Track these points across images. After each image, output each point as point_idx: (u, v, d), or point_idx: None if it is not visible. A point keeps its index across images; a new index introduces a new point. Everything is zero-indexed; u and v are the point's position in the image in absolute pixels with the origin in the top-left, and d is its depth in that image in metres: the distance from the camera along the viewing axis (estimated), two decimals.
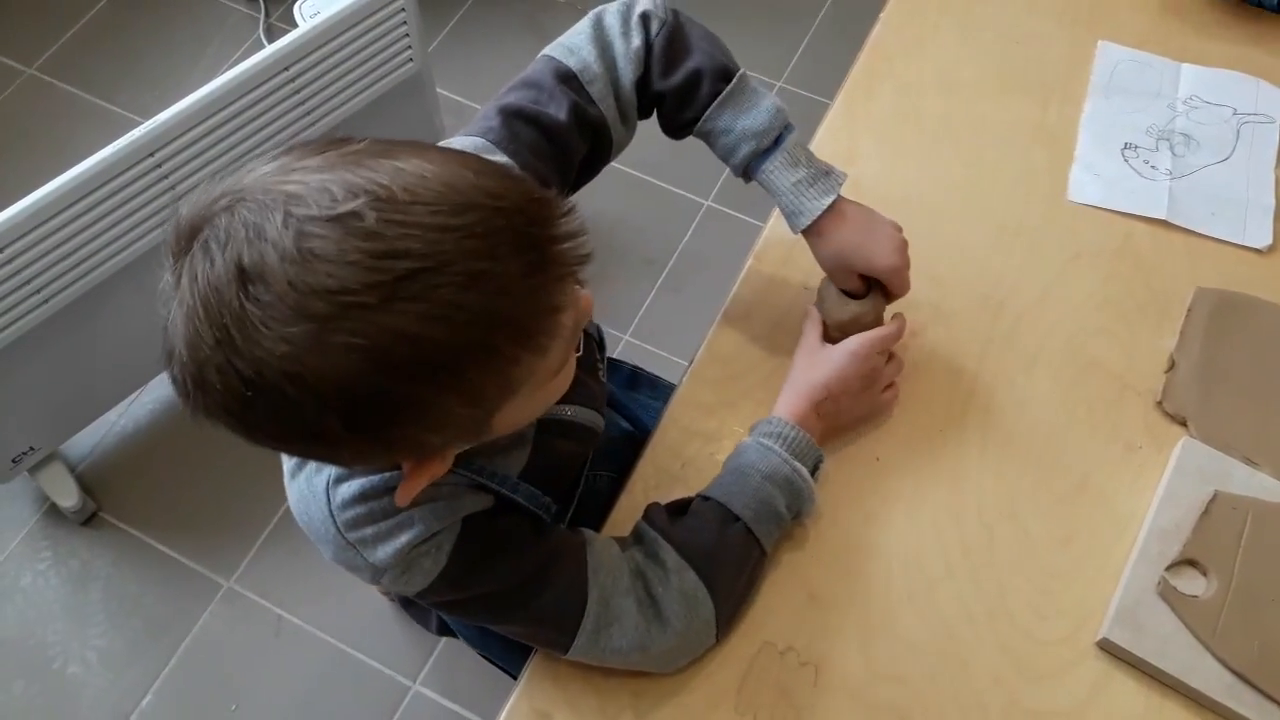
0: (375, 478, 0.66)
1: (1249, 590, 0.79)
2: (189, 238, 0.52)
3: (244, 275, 0.50)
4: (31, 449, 1.51)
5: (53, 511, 1.61)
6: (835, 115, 1.08)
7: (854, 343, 0.85)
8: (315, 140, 0.57)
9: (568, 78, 0.80)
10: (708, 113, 0.82)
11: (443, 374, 0.53)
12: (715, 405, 0.91)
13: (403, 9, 1.45)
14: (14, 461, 1.50)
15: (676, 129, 0.85)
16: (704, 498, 0.80)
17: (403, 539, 0.66)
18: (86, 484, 1.63)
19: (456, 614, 0.76)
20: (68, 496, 1.57)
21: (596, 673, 0.78)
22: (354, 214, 0.50)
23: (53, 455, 1.58)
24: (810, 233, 0.84)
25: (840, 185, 0.84)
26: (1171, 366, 0.91)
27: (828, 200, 0.83)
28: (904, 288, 0.87)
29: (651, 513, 0.80)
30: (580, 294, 0.61)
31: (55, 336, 1.39)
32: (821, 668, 0.79)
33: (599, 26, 0.82)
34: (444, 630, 1.09)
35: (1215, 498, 0.83)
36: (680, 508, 0.81)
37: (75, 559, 1.59)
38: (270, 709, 1.49)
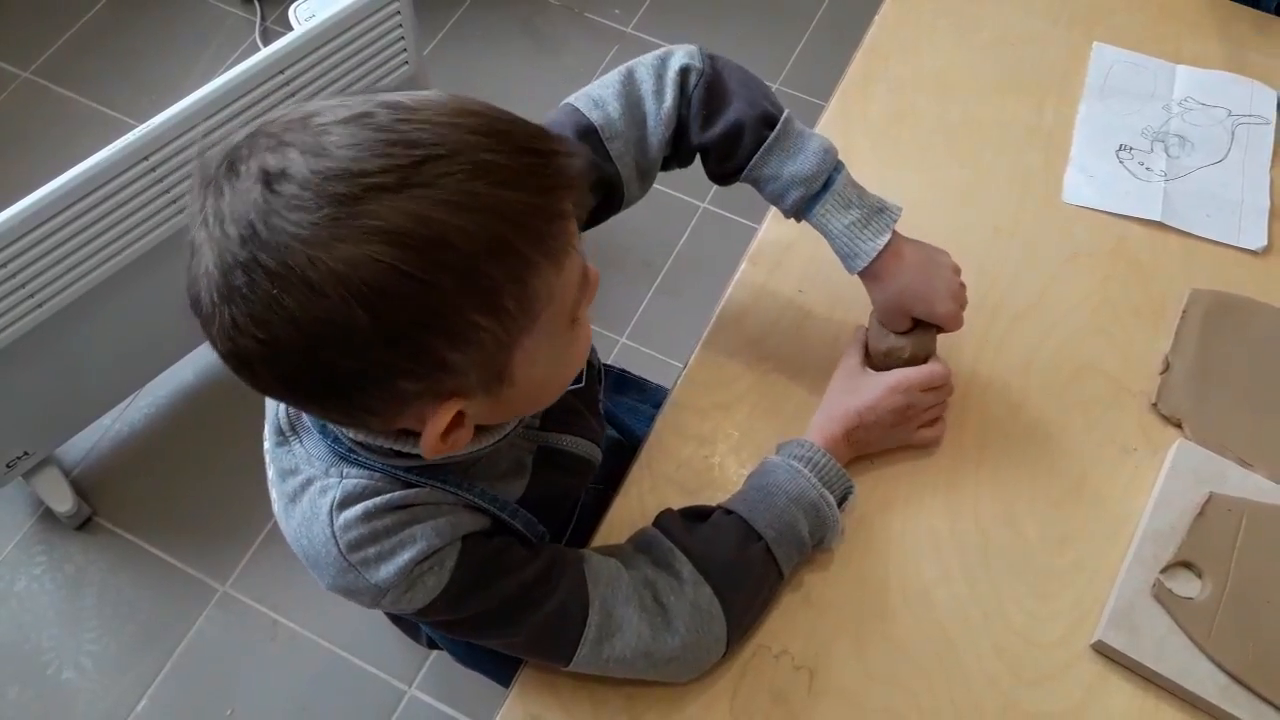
0: (379, 499, 0.66)
1: (1243, 592, 0.79)
2: (215, 169, 0.55)
3: (268, 177, 0.53)
4: (26, 454, 1.51)
5: (47, 516, 1.61)
6: (831, 117, 1.08)
7: (893, 377, 0.84)
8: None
9: (588, 132, 0.78)
10: (753, 161, 0.80)
11: (460, 264, 0.54)
12: (710, 409, 0.91)
13: (398, 12, 1.45)
14: (8, 466, 1.49)
15: (722, 177, 0.84)
16: (726, 511, 0.79)
17: (405, 556, 0.65)
18: (81, 489, 1.63)
19: (458, 632, 0.76)
20: (62, 501, 1.57)
21: (590, 678, 0.78)
22: (367, 114, 0.54)
23: (47, 460, 1.58)
24: (866, 275, 0.82)
25: (894, 222, 0.81)
26: (1166, 368, 0.91)
27: (882, 240, 0.80)
28: (958, 327, 0.85)
29: (666, 521, 0.79)
30: (590, 267, 0.62)
31: (50, 340, 1.38)
32: (817, 672, 0.79)
33: (629, 82, 0.79)
34: (434, 644, 1.09)
35: (1210, 499, 0.83)
36: (696, 514, 0.80)
37: (70, 564, 1.59)
38: (266, 714, 1.48)
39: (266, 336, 0.54)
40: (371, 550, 0.66)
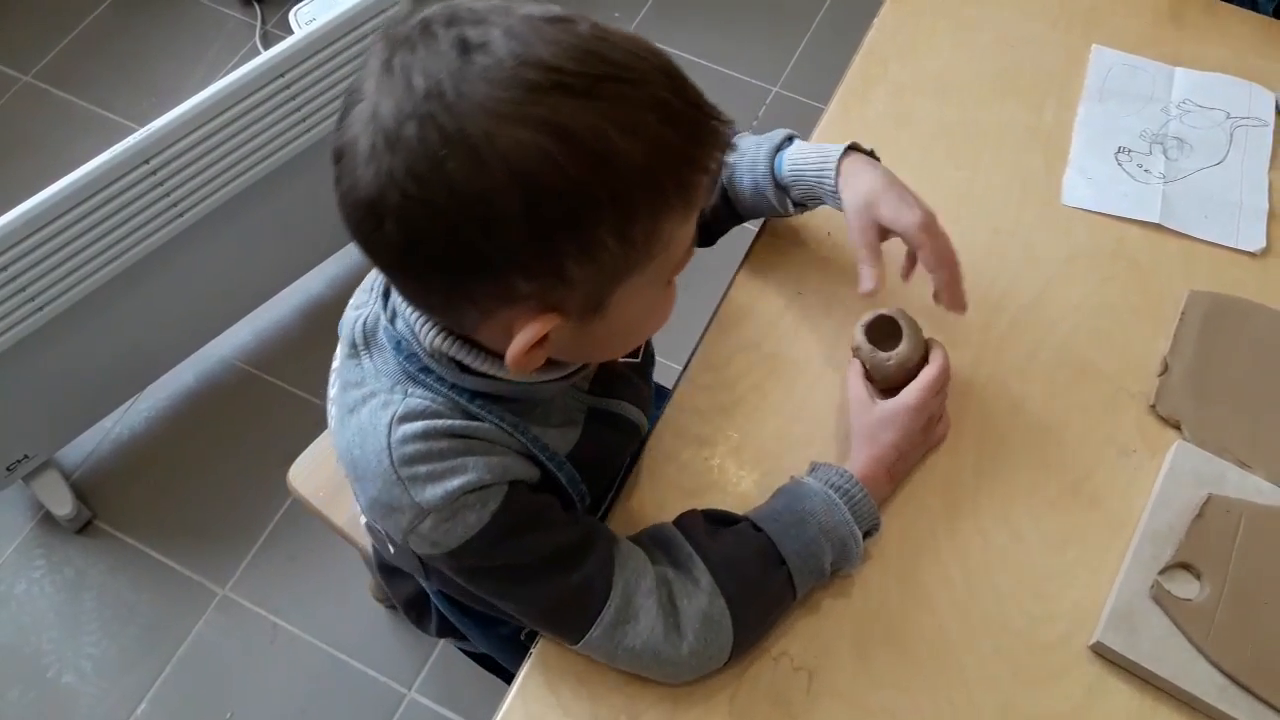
0: (440, 422, 0.67)
1: (1242, 593, 0.79)
2: (406, 31, 0.57)
3: (466, 45, 0.55)
4: (26, 457, 1.51)
5: (47, 519, 1.61)
6: (830, 119, 1.08)
7: (912, 396, 0.83)
8: None
9: None
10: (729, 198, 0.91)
11: (613, 181, 0.56)
12: (710, 411, 0.91)
13: None
14: (9, 469, 1.50)
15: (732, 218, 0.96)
16: (755, 527, 0.78)
17: (454, 482, 0.66)
18: (81, 492, 1.63)
19: (483, 586, 0.74)
20: (62, 504, 1.57)
21: (591, 677, 0.78)
22: (570, 20, 0.57)
23: (47, 463, 1.58)
24: (840, 179, 0.85)
25: (850, 146, 0.87)
26: (1165, 370, 0.91)
27: (843, 146, 0.86)
28: (943, 252, 0.83)
29: (688, 524, 0.79)
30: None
31: (50, 344, 1.39)
32: (815, 673, 0.78)
33: None
34: (443, 631, 1.08)
35: (1209, 501, 0.83)
36: (721, 519, 0.80)
37: (70, 567, 1.59)
38: (265, 717, 1.48)
39: (417, 193, 0.55)
40: (423, 468, 0.66)
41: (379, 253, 0.61)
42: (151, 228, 1.38)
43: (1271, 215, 1.01)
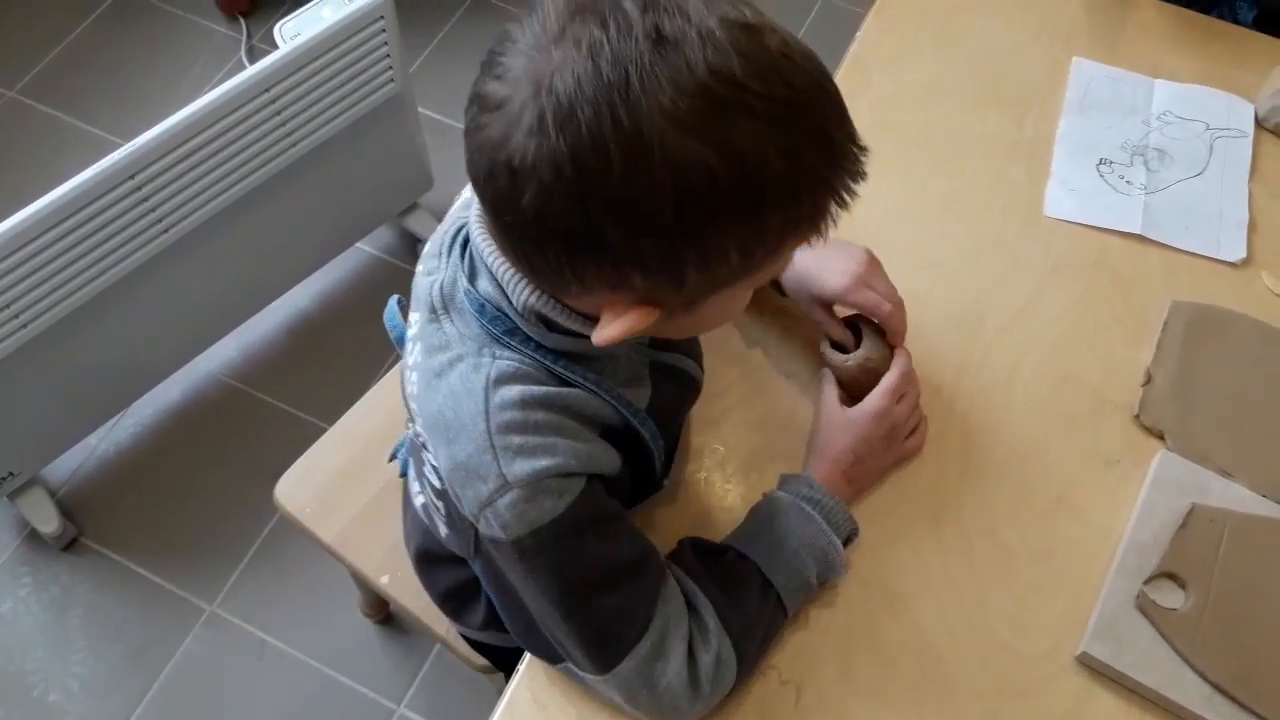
0: (534, 387, 0.67)
1: (1227, 602, 0.80)
2: (582, 9, 0.56)
3: (662, 39, 0.54)
4: (11, 474, 1.50)
5: (33, 537, 1.60)
6: None
7: (872, 402, 0.84)
8: None
9: None
10: None
11: (756, 201, 0.57)
12: (699, 424, 0.91)
13: (384, 30, 1.45)
14: None
15: None
16: (740, 554, 0.78)
17: (544, 462, 0.66)
18: (67, 509, 1.62)
19: (534, 578, 0.71)
20: (48, 522, 1.56)
21: (577, 694, 0.78)
22: (763, 30, 0.56)
23: (33, 480, 1.57)
24: None
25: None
26: (1148, 380, 0.92)
27: None
28: (873, 307, 0.85)
29: (684, 561, 0.77)
30: None
31: (34, 361, 1.38)
32: (803, 687, 0.79)
33: None
34: (488, 623, 0.99)
35: (1192, 511, 0.83)
36: (708, 551, 0.79)
37: (55, 585, 1.58)
38: None
39: (573, 177, 0.55)
40: (516, 439, 0.66)
41: (502, 209, 0.60)
42: (137, 243, 1.37)
43: (1251, 226, 1.01)
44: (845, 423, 0.84)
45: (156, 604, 1.56)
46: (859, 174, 0.61)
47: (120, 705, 1.49)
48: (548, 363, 0.68)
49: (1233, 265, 0.99)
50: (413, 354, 0.74)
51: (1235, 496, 0.85)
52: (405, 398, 0.77)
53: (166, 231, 1.40)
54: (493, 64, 0.58)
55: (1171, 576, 0.81)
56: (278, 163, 1.46)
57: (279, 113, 1.41)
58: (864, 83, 1.12)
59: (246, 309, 1.67)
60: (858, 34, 1.16)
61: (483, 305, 0.69)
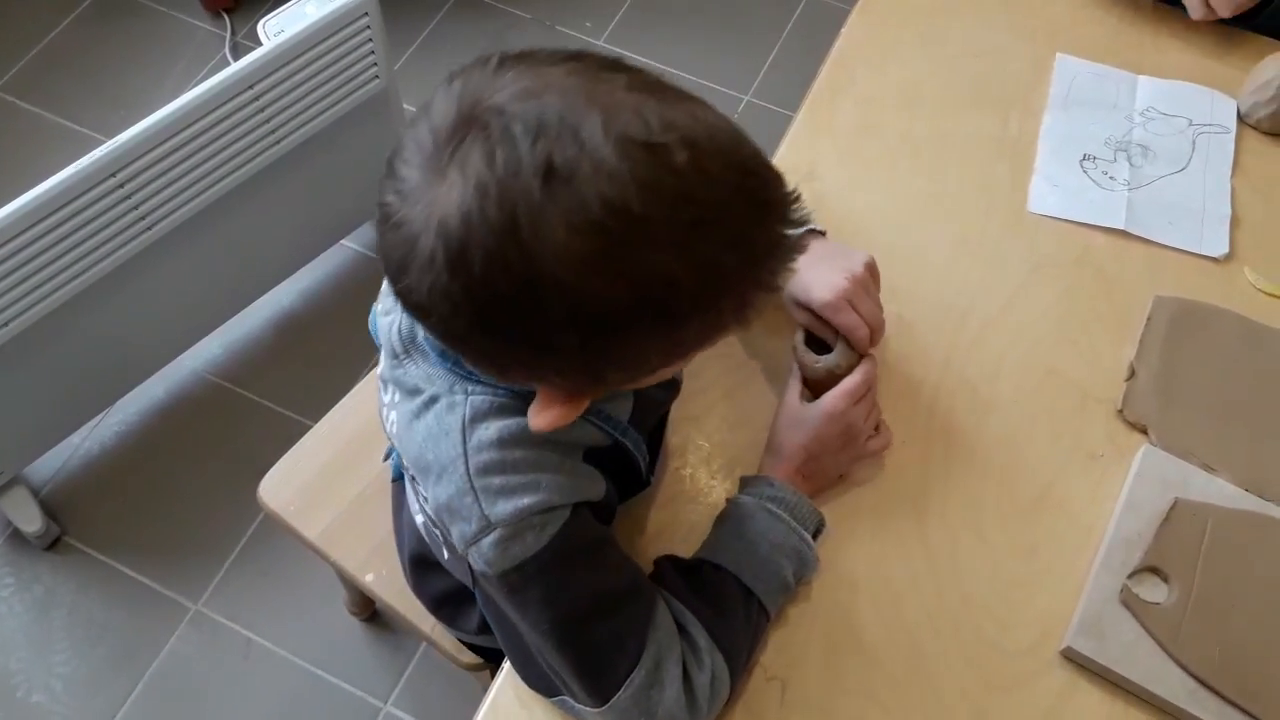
0: (510, 423, 0.66)
1: (1209, 596, 0.80)
2: (467, 122, 0.53)
3: (552, 174, 0.51)
4: None
5: (15, 537, 1.59)
6: (798, 129, 1.08)
7: (828, 402, 0.83)
8: (585, 56, 0.57)
9: None
10: None
11: (670, 317, 0.55)
12: (680, 421, 0.91)
13: (368, 26, 1.45)
14: None
15: None
16: (714, 565, 0.77)
17: (526, 500, 0.65)
18: (50, 508, 1.61)
19: (525, 612, 0.71)
20: (31, 521, 1.55)
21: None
22: (669, 148, 0.52)
23: (15, 479, 1.56)
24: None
25: (811, 224, 0.84)
26: (1131, 375, 0.92)
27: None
28: (850, 328, 0.83)
29: (668, 578, 0.77)
30: None
31: (18, 359, 1.37)
32: (788, 683, 0.79)
33: None
34: (484, 627, 0.97)
35: (1175, 505, 0.84)
36: (686, 568, 0.78)
37: (39, 585, 1.57)
38: None
39: (470, 311, 0.54)
40: (498, 480, 0.66)
41: (414, 317, 0.60)
42: (120, 241, 1.36)
43: (1234, 221, 1.02)
44: (800, 420, 0.84)
45: (141, 603, 1.55)
46: (791, 259, 0.59)
47: (104, 705, 1.48)
48: (522, 391, 0.67)
49: (1216, 260, 1.00)
50: (388, 394, 0.73)
51: (1218, 491, 0.85)
52: (387, 434, 0.76)
53: (150, 229, 1.39)
54: (393, 171, 0.56)
55: (1155, 571, 0.82)
56: (262, 160, 1.46)
57: (262, 110, 1.41)
58: (848, 82, 1.12)
59: (231, 306, 1.66)
60: (841, 32, 1.16)
61: (442, 350, 0.69)
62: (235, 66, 1.36)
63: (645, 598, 0.72)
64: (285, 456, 1.17)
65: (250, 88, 1.37)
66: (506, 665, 0.80)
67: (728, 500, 0.82)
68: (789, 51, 2.13)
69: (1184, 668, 0.77)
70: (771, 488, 0.81)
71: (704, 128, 0.54)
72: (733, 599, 0.76)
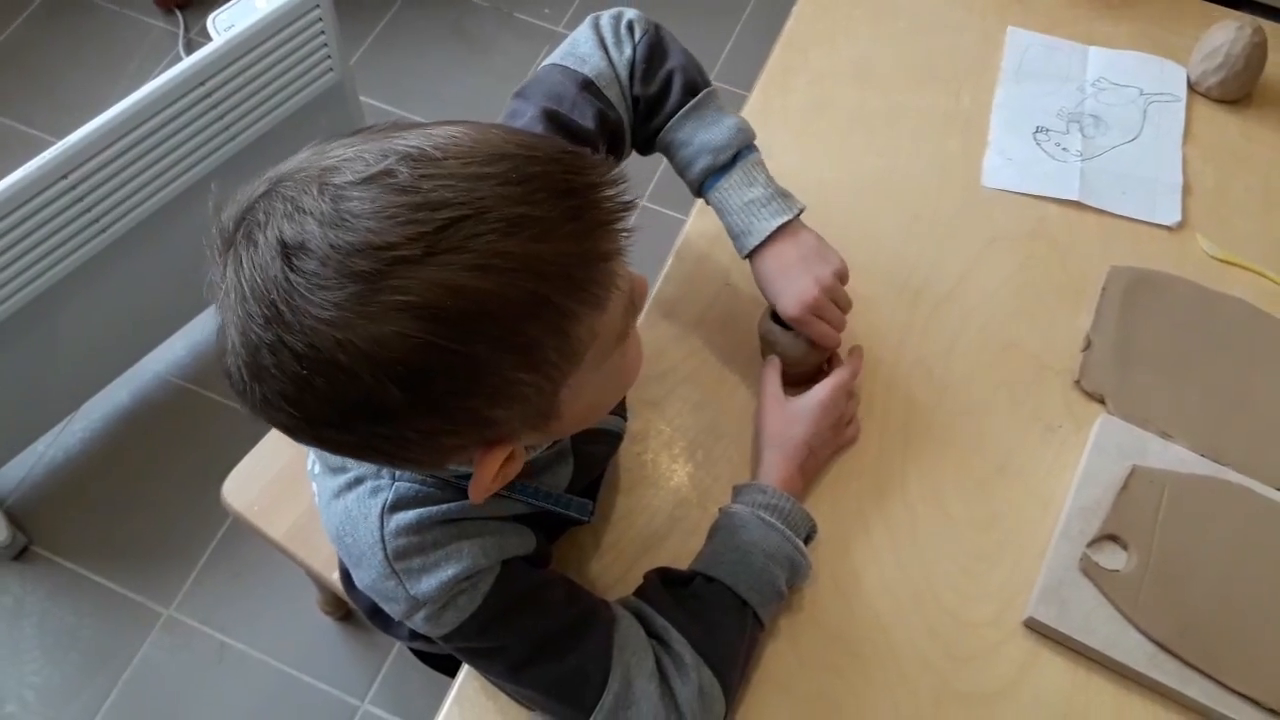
0: (433, 509, 0.65)
1: (1167, 562, 0.81)
2: (232, 232, 0.52)
3: (286, 249, 0.50)
4: None
5: None
6: (752, 108, 1.08)
7: (822, 392, 0.83)
8: (345, 132, 0.56)
9: (587, 84, 0.79)
10: (670, 123, 0.82)
11: (496, 329, 0.51)
12: (640, 405, 0.90)
13: (320, 19, 1.43)
14: None
15: (642, 142, 0.85)
16: (707, 578, 0.75)
17: (449, 572, 0.64)
18: (16, 518, 1.59)
19: (479, 665, 0.73)
20: None
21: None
22: (387, 172, 0.50)
23: None
24: (753, 258, 0.83)
25: (793, 213, 0.82)
26: (1088, 345, 0.93)
27: (777, 222, 0.81)
28: (819, 338, 0.84)
29: (652, 594, 0.75)
30: (633, 274, 0.60)
31: None
32: (754, 661, 0.79)
33: (599, 32, 0.82)
34: (417, 635, 1.03)
35: (1133, 473, 0.84)
36: (675, 579, 0.77)
37: (7, 595, 1.55)
38: None
39: (300, 413, 0.53)
40: (416, 561, 0.65)
41: (323, 442, 0.58)
42: (73, 245, 1.34)
43: (1186, 189, 1.02)
44: (796, 415, 0.84)
45: (112, 610, 1.54)
46: (606, 222, 0.54)
47: (79, 713, 1.46)
48: (451, 478, 0.66)
49: (1168, 229, 1.00)
50: (312, 464, 0.72)
51: (1175, 457, 0.86)
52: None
53: (104, 231, 1.37)
54: (218, 329, 0.55)
55: (1114, 539, 0.82)
56: (217, 156, 1.44)
57: (215, 106, 1.39)
58: (801, 61, 1.11)
59: (192, 308, 1.64)
60: (793, 10, 1.16)
61: None
62: (185, 63, 1.34)
63: (600, 625, 0.70)
64: (247, 457, 1.16)
65: (202, 84, 1.36)
66: None
67: (720, 510, 0.81)
68: (749, 33, 2.13)
69: (1144, 633, 0.78)
70: (764, 494, 0.79)
71: (441, 141, 0.52)
72: (724, 611, 0.75)
